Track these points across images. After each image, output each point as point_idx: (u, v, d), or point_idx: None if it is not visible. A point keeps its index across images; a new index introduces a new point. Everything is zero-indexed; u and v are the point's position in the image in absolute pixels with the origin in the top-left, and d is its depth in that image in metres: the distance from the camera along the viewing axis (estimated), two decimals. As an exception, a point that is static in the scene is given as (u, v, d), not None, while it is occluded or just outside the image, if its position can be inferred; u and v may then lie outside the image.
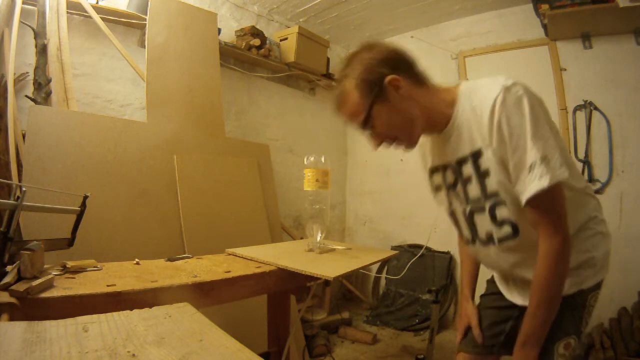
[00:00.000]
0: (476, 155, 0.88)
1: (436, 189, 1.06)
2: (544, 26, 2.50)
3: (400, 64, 0.91)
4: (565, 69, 2.56)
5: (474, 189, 0.92)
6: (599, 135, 2.44)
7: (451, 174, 0.98)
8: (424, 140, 1.04)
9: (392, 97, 0.88)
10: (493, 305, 1.14)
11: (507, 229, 0.91)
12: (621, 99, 2.38)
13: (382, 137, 0.93)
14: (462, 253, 1.25)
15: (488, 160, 0.86)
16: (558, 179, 0.78)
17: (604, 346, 2.00)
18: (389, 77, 0.87)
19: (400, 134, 0.93)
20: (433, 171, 1.05)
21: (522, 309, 0.97)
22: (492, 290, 1.15)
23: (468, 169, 0.91)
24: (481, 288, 1.24)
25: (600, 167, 2.44)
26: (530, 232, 0.88)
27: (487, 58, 2.91)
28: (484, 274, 1.22)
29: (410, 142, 0.95)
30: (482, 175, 0.89)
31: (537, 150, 0.79)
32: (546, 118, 0.83)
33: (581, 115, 2.50)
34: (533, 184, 0.79)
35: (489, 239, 0.95)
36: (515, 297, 1.06)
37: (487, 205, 0.91)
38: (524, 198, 0.82)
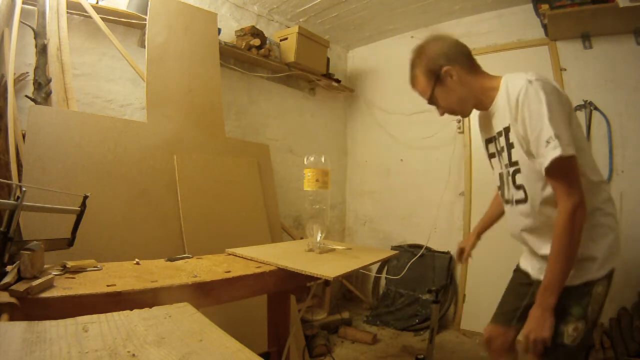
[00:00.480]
0: (507, 130, 1.14)
1: (491, 155, 1.32)
2: (544, 26, 2.50)
3: (455, 56, 1.22)
4: (565, 69, 2.56)
5: (505, 157, 1.19)
6: (599, 135, 2.44)
7: (498, 143, 1.23)
8: (481, 116, 1.32)
9: (448, 82, 1.21)
10: (518, 281, 1.35)
11: (521, 194, 1.15)
12: (621, 99, 2.38)
13: (444, 109, 1.27)
14: (493, 202, 1.56)
15: (513, 135, 1.11)
16: (568, 153, 0.97)
17: (604, 346, 2.00)
18: (445, 68, 1.20)
19: (456, 108, 1.26)
20: (488, 142, 1.31)
21: (535, 287, 1.14)
22: (519, 267, 1.36)
23: (502, 141, 1.18)
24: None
25: (600, 167, 2.42)
26: (536, 201, 1.10)
27: (487, 58, 2.90)
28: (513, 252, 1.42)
29: (463, 114, 1.29)
30: (510, 146, 1.15)
31: (551, 128, 0.98)
32: (562, 110, 1.03)
33: (581, 115, 2.50)
34: (549, 154, 0.98)
35: (511, 199, 1.21)
36: (527, 265, 1.29)
37: (511, 171, 1.17)
38: (543, 168, 1.00)
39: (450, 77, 1.20)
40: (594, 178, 1.11)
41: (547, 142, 0.98)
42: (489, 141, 1.31)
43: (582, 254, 1.05)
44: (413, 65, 1.27)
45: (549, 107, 1.00)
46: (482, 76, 1.23)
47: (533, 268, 1.24)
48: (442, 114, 1.28)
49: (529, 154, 1.06)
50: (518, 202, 1.16)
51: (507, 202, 1.24)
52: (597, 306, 1.09)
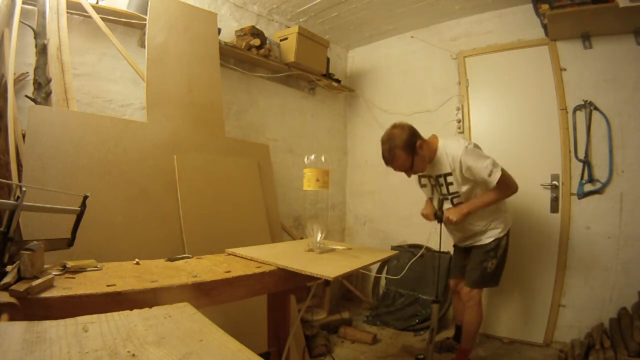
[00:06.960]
0: (447, 174, 1.92)
1: (423, 185, 2.11)
2: (544, 26, 2.50)
3: (417, 133, 1.87)
4: (565, 69, 2.56)
5: (444, 189, 1.96)
6: (599, 135, 2.44)
7: (434, 180, 2.00)
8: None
9: (420, 152, 1.85)
10: (458, 254, 2.24)
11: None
12: (621, 99, 2.38)
13: (415, 172, 1.95)
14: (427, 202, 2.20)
15: (452, 177, 1.91)
16: (500, 174, 1.80)
17: (604, 346, 2.00)
18: (418, 142, 1.84)
19: (425, 167, 1.94)
20: (421, 177, 2.08)
21: (468, 254, 2.14)
22: (456, 245, 2.26)
23: (442, 180, 1.95)
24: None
25: (600, 167, 2.44)
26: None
27: (487, 58, 2.91)
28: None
29: (423, 170, 1.97)
30: (448, 184, 1.94)
31: (486, 166, 1.81)
32: (484, 154, 1.85)
33: (581, 115, 2.50)
34: (493, 176, 1.79)
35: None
36: (459, 243, 2.18)
37: (449, 197, 1.98)
38: (492, 184, 1.82)
39: (420, 148, 1.83)
40: None
41: (489, 174, 1.79)
42: (422, 177, 2.07)
43: (494, 227, 2.00)
44: (391, 147, 1.80)
45: (478, 157, 1.81)
46: (429, 142, 1.90)
47: (463, 244, 2.13)
48: (410, 175, 1.95)
49: (465, 183, 1.88)
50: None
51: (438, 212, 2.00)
52: (502, 251, 2.02)
